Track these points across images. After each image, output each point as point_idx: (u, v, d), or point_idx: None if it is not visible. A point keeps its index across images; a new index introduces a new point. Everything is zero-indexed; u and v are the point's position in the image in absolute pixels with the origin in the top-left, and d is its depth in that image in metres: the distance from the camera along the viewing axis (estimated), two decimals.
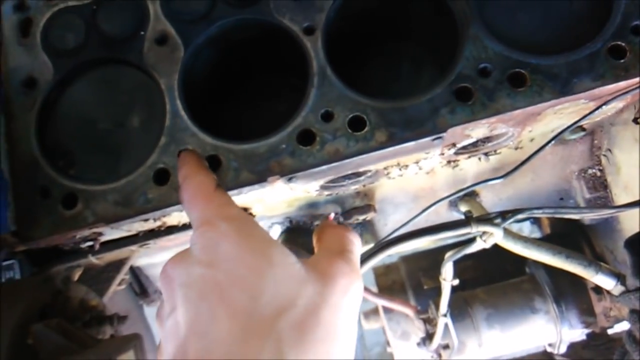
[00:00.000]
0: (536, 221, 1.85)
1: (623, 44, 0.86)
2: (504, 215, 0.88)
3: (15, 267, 1.01)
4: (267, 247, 0.65)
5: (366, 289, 1.65)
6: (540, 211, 0.89)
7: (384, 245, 0.86)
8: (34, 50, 0.99)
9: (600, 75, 0.86)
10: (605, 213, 0.97)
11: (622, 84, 0.87)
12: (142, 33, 0.96)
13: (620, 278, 1.02)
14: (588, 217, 0.99)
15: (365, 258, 0.87)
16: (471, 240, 0.97)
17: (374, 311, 1.90)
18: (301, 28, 0.93)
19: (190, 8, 0.96)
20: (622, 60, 0.86)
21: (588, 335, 1.78)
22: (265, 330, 0.57)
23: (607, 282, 1.02)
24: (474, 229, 0.86)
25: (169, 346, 0.61)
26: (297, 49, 0.93)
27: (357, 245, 0.74)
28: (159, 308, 0.68)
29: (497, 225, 0.87)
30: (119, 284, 1.11)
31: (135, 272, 1.48)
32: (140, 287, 1.55)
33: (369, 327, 1.93)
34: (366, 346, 3.27)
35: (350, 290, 0.65)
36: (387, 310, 1.77)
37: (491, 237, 0.89)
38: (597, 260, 1.07)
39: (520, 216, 0.88)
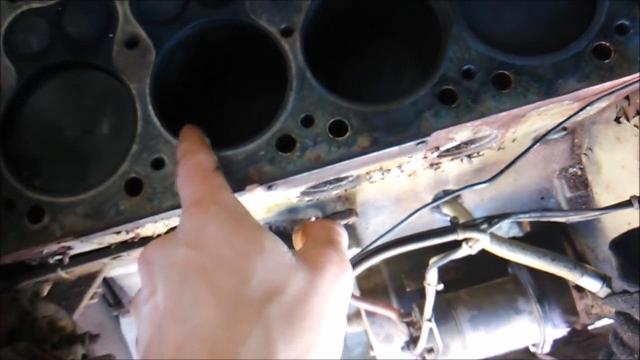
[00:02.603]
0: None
1: (607, 44, 0.85)
2: (490, 220, 0.86)
3: None
4: (257, 233, 0.63)
5: None
6: (527, 215, 0.87)
7: (368, 254, 0.84)
8: None
9: (586, 76, 0.84)
10: (590, 215, 0.96)
11: (607, 84, 0.85)
12: (111, 35, 0.91)
13: (605, 280, 1.01)
14: (573, 219, 0.97)
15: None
16: (456, 246, 0.94)
17: (357, 314, 1.87)
18: (279, 29, 0.89)
19: (162, 9, 0.91)
20: (607, 61, 0.84)
21: (569, 331, 1.78)
22: (253, 315, 0.55)
23: (592, 285, 1.00)
24: (460, 236, 0.84)
25: (145, 334, 0.57)
26: (275, 51, 0.89)
27: (345, 236, 0.73)
28: (136, 295, 0.64)
29: (483, 231, 0.85)
30: (91, 298, 1.06)
31: (108, 282, 1.43)
32: (115, 298, 1.49)
33: (352, 331, 1.91)
34: (348, 347, 3.26)
35: (340, 279, 0.64)
36: (369, 313, 1.75)
37: (477, 243, 0.87)
38: (579, 260, 1.06)
39: (506, 220, 0.86)
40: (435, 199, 1.43)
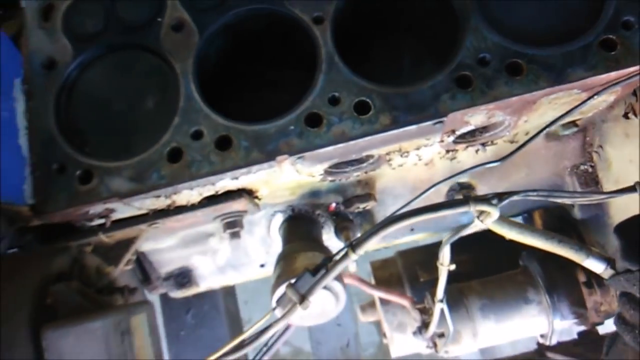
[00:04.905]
0: (528, 216, 1.90)
1: (614, 37, 0.92)
2: (500, 196, 0.93)
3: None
4: None
5: (363, 281, 1.68)
6: (535, 193, 0.93)
7: (386, 223, 0.91)
8: (55, 34, 1.03)
9: (593, 66, 0.91)
10: (596, 199, 1.02)
11: (613, 74, 0.92)
12: (159, 20, 1.01)
13: (609, 262, 1.06)
14: (580, 201, 1.04)
15: (369, 235, 0.91)
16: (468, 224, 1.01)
17: (371, 304, 1.93)
18: (311, 17, 0.98)
19: None
20: (613, 53, 0.91)
21: (579, 334, 1.81)
22: None
23: (597, 266, 1.05)
24: (471, 208, 0.90)
25: None
26: (307, 38, 0.98)
27: None
28: None
29: (494, 205, 0.91)
30: (126, 264, 1.15)
31: (139, 257, 1.50)
32: (144, 273, 1.57)
33: (366, 320, 1.96)
34: (361, 346, 3.30)
35: None
36: (383, 302, 1.80)
37: (488, 216, 0.93)
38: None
39: (515, 197, 0.92)
40: (451, 189, 1.50)
